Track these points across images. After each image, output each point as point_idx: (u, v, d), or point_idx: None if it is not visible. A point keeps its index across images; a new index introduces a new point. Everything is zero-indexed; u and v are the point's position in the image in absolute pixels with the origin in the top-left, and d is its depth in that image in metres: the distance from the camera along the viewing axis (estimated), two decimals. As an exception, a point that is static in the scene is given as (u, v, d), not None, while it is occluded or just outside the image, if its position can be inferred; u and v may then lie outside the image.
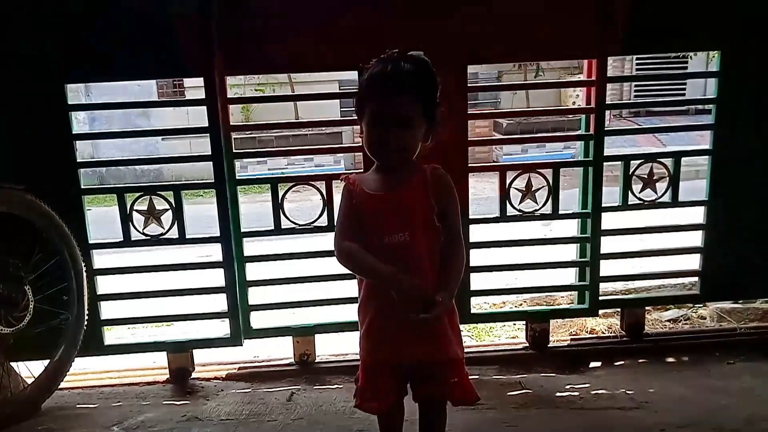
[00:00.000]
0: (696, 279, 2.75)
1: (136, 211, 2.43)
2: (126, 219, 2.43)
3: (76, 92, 2.34)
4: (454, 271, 1.51)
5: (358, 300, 1.58)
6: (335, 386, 2.44)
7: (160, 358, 2.56)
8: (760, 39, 2.49)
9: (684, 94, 7.12)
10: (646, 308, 2.88)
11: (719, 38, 2.51)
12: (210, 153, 2.39)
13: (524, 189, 2.61)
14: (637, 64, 9.33)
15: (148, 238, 2.46)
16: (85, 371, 2.57)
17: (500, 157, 8.36)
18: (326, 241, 2.36)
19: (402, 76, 1.43)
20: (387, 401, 1.56)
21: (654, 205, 2.67)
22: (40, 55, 2.24)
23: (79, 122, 2.37)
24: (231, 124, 2.40)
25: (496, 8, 2.36)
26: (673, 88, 7.57)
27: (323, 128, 8.19)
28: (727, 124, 2.57)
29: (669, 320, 3.05)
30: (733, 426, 1.89)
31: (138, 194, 2.43)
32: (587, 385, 2.33)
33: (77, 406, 2.34)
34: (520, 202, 2.60)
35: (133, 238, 2.45)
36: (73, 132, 2.32)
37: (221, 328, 2.55)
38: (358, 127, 1.55)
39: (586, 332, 2.98)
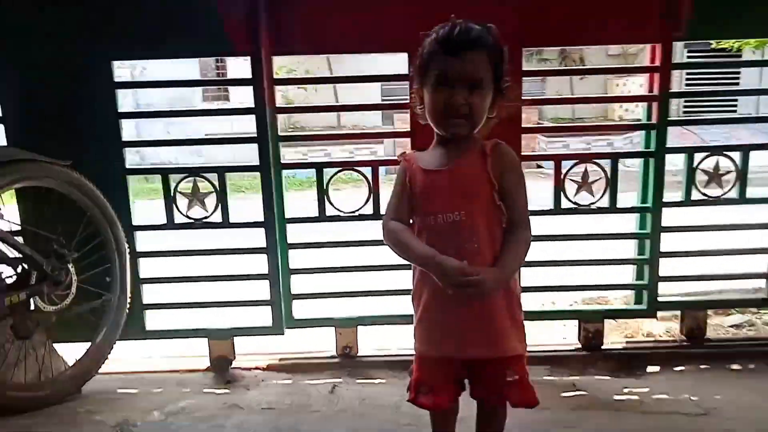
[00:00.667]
0: (763, 282, 2.58)
1: (180, 193, 2.39)
2: (170, 201, 2.38)
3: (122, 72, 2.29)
4: (511, 253, 1.36)
5: (412, 288, 1.48)
6: (378, 380, 2.34)
7: (201, 345, 2.50)
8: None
9: (738, 84, 6.82)
10: (708, 312, 2.71)
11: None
12: (255, 135, 2.33)
13: (580, 180, 2.48)
14: (688, 54, 9.07)
15: (192, 221, 2.41)
16: (125, 359, 2.52)
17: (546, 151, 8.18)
18: (372, 229, 2.29)
19: (474, 33, 1.33)
20: (443, 397, 1.45)
21: (720, 201, 2.51)
22: (87, 31, 2.22)
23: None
24: (277, 105, 2.34)
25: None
26: (727, 79, 7.26)
27: (364, 128, 8.19)
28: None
29: (732, 326, 2.87)
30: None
31: (182, 176, 2.39)
32: (647, 390, 2.19)
33: (117, 390, 2.29)
34: (576, 194, 2.47)
35: (176, 221, 2.40)
36: (119, 110, 2.28)
37: (263, 316, 2.49)
38: (416, 99, 1.44)
39: (643, 335, 2.82)
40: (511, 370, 1.40)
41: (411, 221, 1.46)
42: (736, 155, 2.49)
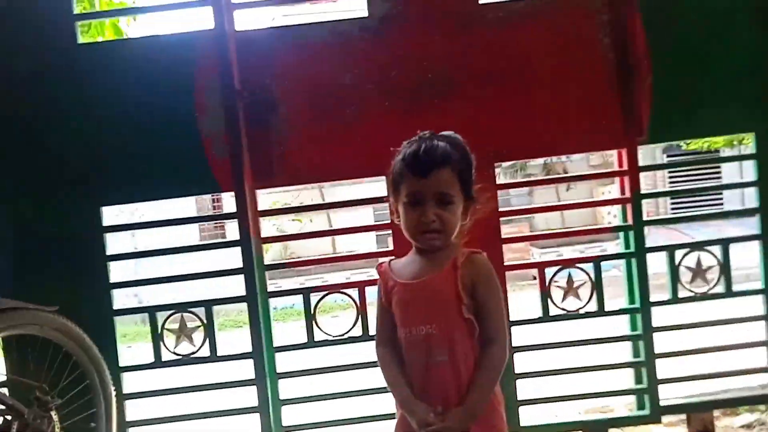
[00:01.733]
0: (766, 376, 2.53)
1: (167, 330, 2.39)
2: (157, 339, 2.38)
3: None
4: (477, 388, 1.38)
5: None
6: None
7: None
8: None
9: (720, 179, 7.04)
10: (715, 414, 2.62)
11: (750, 121, 2.48)
12: (242, 266, 2.37)
13: (566, 286, 2.49)
14: (668, 155, 9.44)
15: (180, 357, 2.39)
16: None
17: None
18: (362, 351, 2.27)
19: (439, 151, 1.41)
20: None
21: (707, 296, 2.52)
22: (75, 178, 2.33)
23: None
24: (262, 236, 2.41)
25: (523, 108, 2.40)
26: (708, 176, 7.51)
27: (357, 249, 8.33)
28: (772, 206, 2.47)
29: (742, 426, 2.75)
30: None
31: (170, 312, 2.40)
32: (662, 503, 2.07)
33: None
34: (563, 300, 2.48)
35: (164, 359, 2.39)
36: (107, 253, 2.34)
37: (254, 452, 2.40)
38: (394, 213, 1.52)
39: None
40: None
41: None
42: (717, 249, 2.53)
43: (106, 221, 2.37)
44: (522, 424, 2.46)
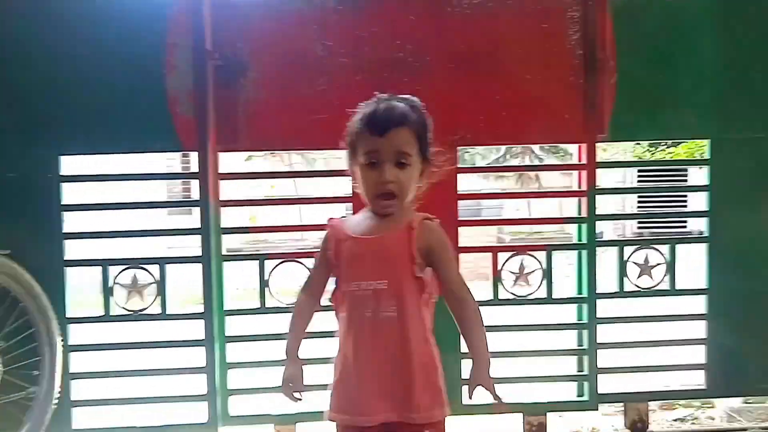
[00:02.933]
0: (702, 372, 2.63)
1: (119, 284, 2.39)
2: (107, 293, 2.38)
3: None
4: (476, 340, 1.46)
5: (335, 357, 1.50)
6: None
7: (131, 444, 2.40)
8: (744, 126, 2.54)
9: (686, 180, 7.23)
10: (651, 406, 2.72)
11: (706, 127, 2.56)
12: (199, 227, 2.38)
13: (517, 272, 2.56)
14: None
15: (129, 313, 2.39)
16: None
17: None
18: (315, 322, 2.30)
19: (397, 111, 1.43)
20: None
21: (652, 292, 2.61)
22: (36, 125, 2.31)
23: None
24: (221, 199, 2.42)
25: (489, 94, 2.44)
26: (674, 178, 7.70)
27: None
28: (721, 210, 2.56)
29: (676, 419, 2.87)
30: None
31: (122, 267, 2.40)
32: (588, 484, 2.15)
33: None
34: (513, 285, 2.54)
35: (113, 313, 2.39)
36: (62, 203, 2.33)
37: (199, 412, 2.41)
38: (352, 175, 1.53)
39: (588, 430, 2.79)
40: None
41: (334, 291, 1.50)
42: (665, 248, 2.62)
43: (64, 170, 2.35)
44: (464, 403, 2.52)
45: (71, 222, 2.36)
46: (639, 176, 9.70)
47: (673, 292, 2.61)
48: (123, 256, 2.40)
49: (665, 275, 2.60)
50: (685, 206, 2.65)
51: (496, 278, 2.54)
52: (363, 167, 1.45)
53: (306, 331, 1.54)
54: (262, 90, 2.40)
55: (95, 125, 2.34)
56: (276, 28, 2.41)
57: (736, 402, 2.88)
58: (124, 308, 2.39)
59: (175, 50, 2.35)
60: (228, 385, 2.42)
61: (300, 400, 1.51)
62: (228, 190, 2.44)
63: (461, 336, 1.48)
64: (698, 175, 2.67)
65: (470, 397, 1.45)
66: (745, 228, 2.56)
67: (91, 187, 2.42)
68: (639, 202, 9.91)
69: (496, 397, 1.46)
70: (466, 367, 2.43)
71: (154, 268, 2.40)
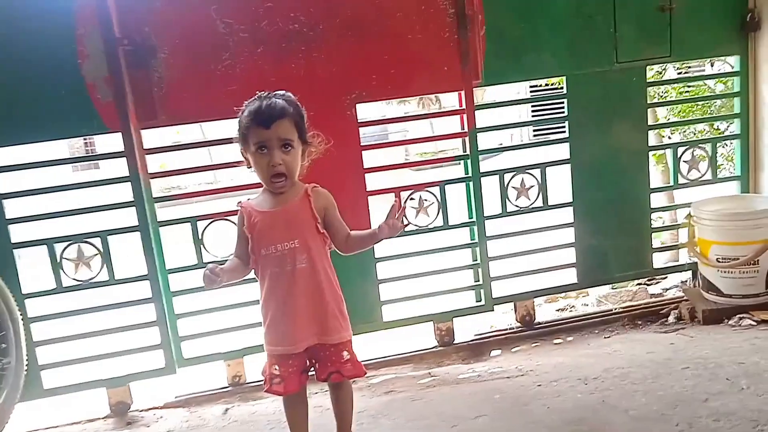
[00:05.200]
0: (574, 270, 3.22)
1: (66, 259, 2.64)
2: (57, 267, 2.63)
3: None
4: (362, 233, 1.90)
5: (260, 300, 1.88)
6: (268, 399, 2.68)
7: (101, 395, 2.73)
8: (592, 63, 3.03)
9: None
10: (537, 302, 3.31)
11: (563, 66, 3.04)
12: (132, 200, 2.65)
13: (417, 206, 3.00)
14: (531, 88, 10.56)
15: (80, 282, 2.66)
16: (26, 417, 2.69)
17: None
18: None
19: (278, 106, 1.79)
20: (291, 385, 1.84)
21: (529, 210, 3.13)
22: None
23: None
24: (149, 172, 2.68)
25: (378, 55, 2.79)
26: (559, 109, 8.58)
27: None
28: (578, 137, 3.08)
29: (558, 309, 3.48)
30: (595, 375, 2.29)
31: (67, 243, 2.65)
32: (486, 367, 2.70)
33: (21, 449, 2.47)
34: (416, 217, 2.99)
35: (64, 285, 2.65)
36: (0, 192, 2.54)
37: (156, 360, 2.76)
38: (244, 159, 1.88)
39: (488, 328, 3.36)
40: (344, 353, 1.86)
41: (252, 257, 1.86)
42: (537, 172, 3.13)
43: (-3, 163, 2.54)
44: (384, 319, 3.00)
45: (12, 208, 2.57)
46: (532, 113, 10.66)
47: (546, 207, 3.14)
48: (67, 233, 2.64)
49: (539, 194, 3.13)
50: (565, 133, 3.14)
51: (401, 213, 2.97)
52: (255, 155, 1.81)
53: (233, 270, 1.83)
54: (172, 69, 2.64)
55: (23, 118, 2.52)
56: (179, 9, 2.62)
57: (604, 290, 3.52)
58: (74, 279, 2.65)
59: (86, 40, 2.53)
60: (179, 333, 2.77)
61: (217, 276, 1.73)
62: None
63: (360, 245, 1.90)
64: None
65: (383, 234, 1.85)
66: (597, 149, 3.10)
67: (26, 174, 2.61)
68: (534, 131, 10.91)
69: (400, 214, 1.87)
70: (383, 290, 2.91)
71: (97, 241, 2.66)
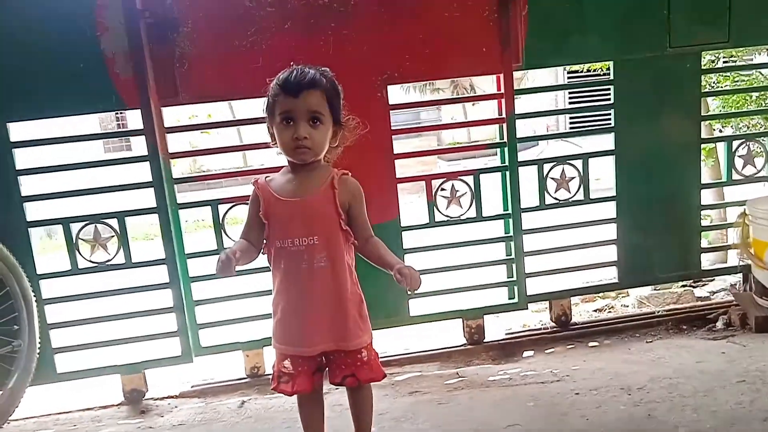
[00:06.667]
0: (615, 268, 3.02)
1: (82, 239, 2.55)
2: (72, 248, 2.54)
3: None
4: (388, 254, 1.71)
5: (272, 292, 1.73)
6: (286, 393, 2.56)
7: (115, 381, 2.64)
8: (642, 47, 2.80)
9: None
10: (573, 301, 3.12)
11: (609, 50, 2.82)
12: (151, 180, 2.54)
13: (449, 196, 2.83)
14: (568, 74, 10.14)
15: (95, 264, 2.57)
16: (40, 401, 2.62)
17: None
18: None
19: (309, 75, 1.62)
20: (301, 384, 1.69)
21: (569, 203, 2.93)
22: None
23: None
24: (170, 152, 2.57)
25: (412, 34, 2.62)
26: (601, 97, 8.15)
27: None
28: (624, 126, 2.87)
29: (595, 310, 3.29)
30: (639, 385, 2.10)
31: (83, 223, 2.55)
32: (518, 369, 2.53)
33: (33, 433, 2.40)
34: (447, 208, 2.82)
35: (80, 266, 2.56)
36: (17, 168, 2.45)
37: (173, 347, 2.66)
38: (270, 135, 1.71)
39: (520, 327, 3.19)
40: (361, 354, 1.69)
41: (264, 242, 1.71)
42: (578, 162, 2.93)
43: (14, 137, 2.45)
44: (411, 314, 2.85)
45: (28, 185, 2.49)
46: (570, 99, 10.24)
47: (587, 201, 2.94)
48: (83, 212, 2.54)
49: (579, 187, 2.93)
50: (610, 122, 2.93)
51: (431, 203, 2.81)
52: (279, 126, 1.63)
53: (244, 252, 1.66)
54: (196, 44, 2.50)
55: (38, 92, 2.42)
56: (203, -19, 2.49)
57: (646, 290, 3.31)
58: (90, 261, 2.56)
59: (106, 12, 2.42)
60: (197, 321, 2.66)
61: (230, 262, 1.57)
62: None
63: (375, 261, 1.72)
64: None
65: (398, 283, 1.63)
66: (645, 140, 2.88)
67: (43, 151, 2.52)
68: (570, 119, 10.51)
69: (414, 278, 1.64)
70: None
71: (114, 222, 2.56)
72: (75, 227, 2.55)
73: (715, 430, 1.73)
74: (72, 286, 2.58)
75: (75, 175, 2.58)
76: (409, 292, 1.69)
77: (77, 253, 2.55)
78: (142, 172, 2.58)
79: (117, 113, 10.60)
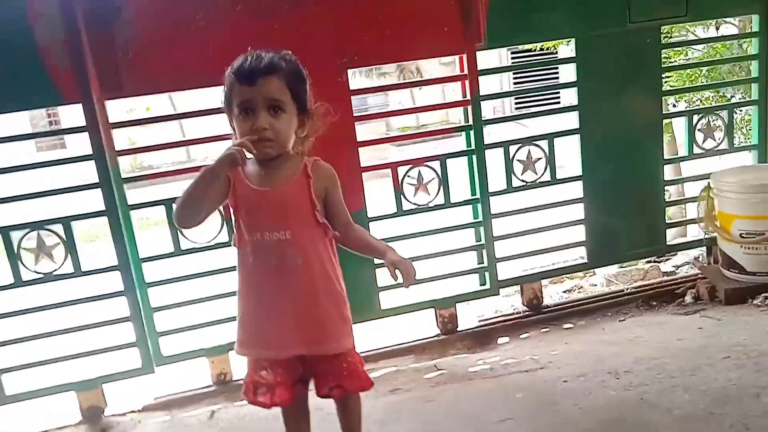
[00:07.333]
0: (583, 248, 2.99)
1: (24, 249, 2.33)
2: (14, 258, 2.33)
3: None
4: (372, 239, 1.62)
5: (237, 293, 1.59)
6: (257, 399, 2.43)
7: (71, 399, 2.44)
8: (604, 23, 2.76)
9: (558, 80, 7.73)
10: (543, 283, 3.08)
11: (571, 27, 2.77)
12: (98, 180, 2.34)
13: (416, 183, 2.74)
14: (512, 55, 10.07)
15: (41, 275, 2.36)
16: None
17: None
18: (231, 257, 2.38)
19: (265, 61, 1.46)
20: (280, 396, 1.55)
21: (536, 185, 2.88)
22: None
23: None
24: (117, 149, 2.37)
25: (372, 16, 2.49)
26: (547, 76, 8.12)
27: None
28: (587, 105, 2.83)
29: (565, 291, 3.27)
30: (626, 368, 2.07)
31: (25, 231, 2.33)
32: (497, 358, 2.47)
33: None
34: (414, 195, 2.73)
35: (24, 278, 2.35)
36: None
37: (132, 359, 2.48)
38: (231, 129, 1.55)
39: (492, 312, 3.14)
40: (346, 363, 1.57)
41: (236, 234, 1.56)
42: (544, 143, 2.88)
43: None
44: (382, 307, 2.74)
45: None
46: (514, 80, 10.20)
47: (555, 181, 2.89)
48: (24, 219, 2.33)
49: (546, 167, 2.88)
50: (559, 102, 2.88)
51: (398, 191, 2.71)
52: (238, 118, 1.47)
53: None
54: (139, 31, 2.32)
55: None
56: (144, -38, 2.30)
57: (613, 269, 3.31)
58: (35, 272, 2.35)
59: (38, 0, 2.20)
60: (156, 329, 2.49)
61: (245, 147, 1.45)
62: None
63: (361, 249, 1.62)
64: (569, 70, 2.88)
65: (394, 279, 1.55)
66: (608, 118, 2.85)
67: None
68: (516, 101, 10.49)
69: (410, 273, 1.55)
70: (381, 275, 2.66)
71: (59, 228, 2.35)
72: (16, 236, 2.32)
73: (710, 411, 1.70)
74: (16, 300, 2.37)
75: (10, 179, 2.34)
76: (405, 287, 1.58)
77: (20, 263, 2.34)
78: (84, 172, 2.37)
79: (49, 110, 10.03)
